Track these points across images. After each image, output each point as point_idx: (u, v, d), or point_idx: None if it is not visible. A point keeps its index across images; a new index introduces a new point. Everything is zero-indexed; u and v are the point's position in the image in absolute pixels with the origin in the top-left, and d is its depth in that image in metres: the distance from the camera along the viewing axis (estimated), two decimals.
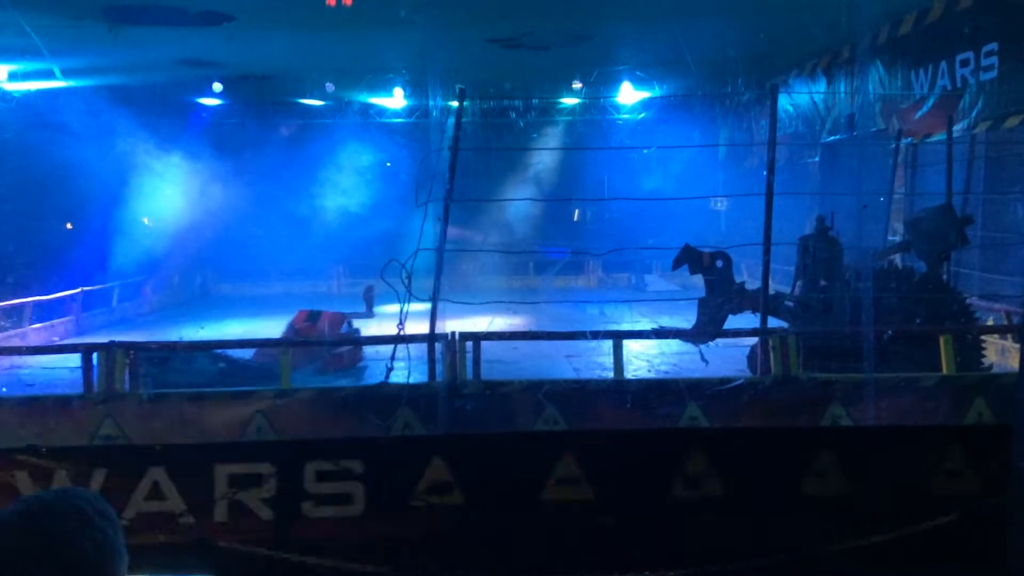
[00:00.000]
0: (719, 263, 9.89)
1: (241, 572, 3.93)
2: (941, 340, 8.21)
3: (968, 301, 10.52)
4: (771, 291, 10.12)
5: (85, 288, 18.83)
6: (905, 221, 12.41)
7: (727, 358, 11.03)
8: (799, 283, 10.85)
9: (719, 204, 23.07)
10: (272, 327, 17.38)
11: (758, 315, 9.35)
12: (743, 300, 9.84)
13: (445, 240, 8.47)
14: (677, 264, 10.04)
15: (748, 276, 13.16)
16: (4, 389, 11.27)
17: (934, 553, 3.94)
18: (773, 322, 9.56)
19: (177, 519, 3.92)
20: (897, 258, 12.01)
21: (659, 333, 10.64)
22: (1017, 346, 10.86)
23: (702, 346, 9.39)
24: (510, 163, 24.89)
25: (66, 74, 17.94)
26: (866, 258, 10.93)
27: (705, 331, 9.55)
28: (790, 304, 10.21)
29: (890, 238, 13.64)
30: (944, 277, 10.53)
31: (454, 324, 8.41)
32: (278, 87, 22.58)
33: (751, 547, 3.94)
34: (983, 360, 9.63)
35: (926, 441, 4.21)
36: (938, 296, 9.86)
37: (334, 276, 25.69)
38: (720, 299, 9.73)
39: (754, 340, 9.44)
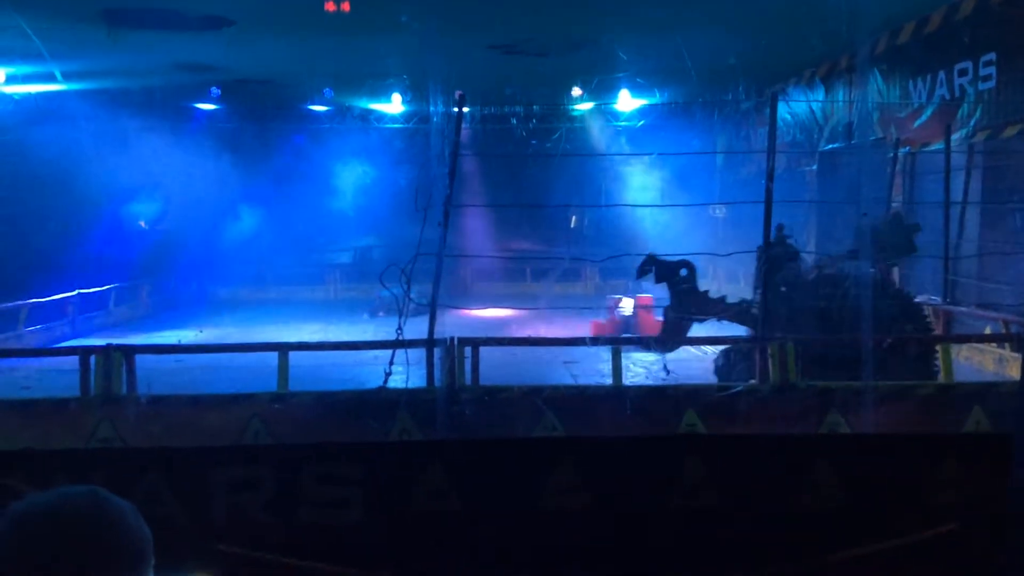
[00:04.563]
0: (683, 271, 9.79)
1: None
2: (940, 349, 8.21)
3: (919, 302, 10.62)
4: (738, 299, 10.15)
5: (82, 291, 18.80)
6: (855, 230, 12.37)
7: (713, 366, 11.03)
8: (759, 291, 10.88)
9: (718, 211, 23.13)
10: (272, 332, 17.37)
11: (726, 323, 9.36)
12: (707, 307, 9.73)
13: (444, 245, 8.48)
14: (641, 273, 9.86)
15: (743, 283, 13.15)
16: None
17: (931, 562, 3.93)
18: (741, 330, 9.61)
19: (173, 523, 3.89)
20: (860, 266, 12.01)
21: (628, 341, 10.61)
22: (1015, 355, 10.87)
23: (666, 355, 9.40)
24: (509, 169, 24.91)
25: (65, 77, 17.93)
26: (819, 265, 10.94)
27: (669, 340, 9.54)
28: (755, 312, 10.20)
29: None
30: (896, 283, 10.61)
31: (453, 329, 8.41)
32: (277, 92, 22.58)
33: (748, 555, 3.93)
34: (935, 366, 9.44)
35: (924, 449, 4.21)
36: (888, 301, 9.86)
37: (331, 281, 25.63)
38: (683, 308, 9.66)
39: (719, 349, 9.47)
